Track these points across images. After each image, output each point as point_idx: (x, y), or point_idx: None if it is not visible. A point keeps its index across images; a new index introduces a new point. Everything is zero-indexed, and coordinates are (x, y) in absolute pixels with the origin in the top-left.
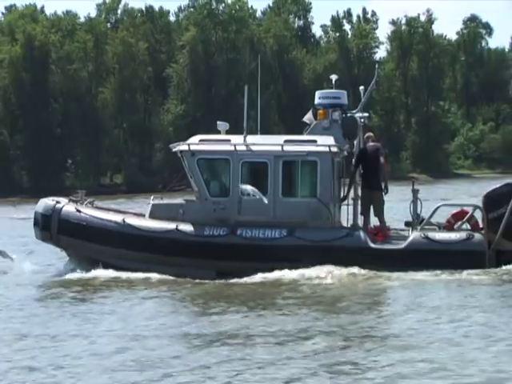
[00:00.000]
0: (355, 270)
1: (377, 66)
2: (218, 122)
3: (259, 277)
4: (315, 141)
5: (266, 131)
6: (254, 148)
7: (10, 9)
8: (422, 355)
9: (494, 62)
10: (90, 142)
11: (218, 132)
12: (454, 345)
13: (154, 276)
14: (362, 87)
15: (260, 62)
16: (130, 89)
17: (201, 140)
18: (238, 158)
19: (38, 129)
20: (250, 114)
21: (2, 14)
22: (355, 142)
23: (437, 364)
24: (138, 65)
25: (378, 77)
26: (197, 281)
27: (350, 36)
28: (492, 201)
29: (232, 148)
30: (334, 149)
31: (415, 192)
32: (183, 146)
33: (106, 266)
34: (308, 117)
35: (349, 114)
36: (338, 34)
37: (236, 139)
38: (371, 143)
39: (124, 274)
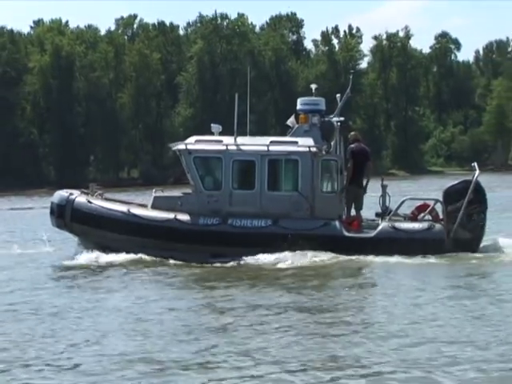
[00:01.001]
0: (331, 255)
1: (351, 76)
2: (211, 125)
3: (247, 260)
4: (297, 142)
5: (264, 133)
6: (243, 148)
7: (37, 23)
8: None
9: (462, 73)
10: (109, 140)
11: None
12: (415, 311)
13: (155, 259)
14: (338, 95)
15: (259, 71)
16: (145, 94)
17: (197, 140)
18: (229, 156)
19: (64, 129)
20: (250, 118)
21: (31, 27)
22: (332, 143)
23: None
24: (152, 73)
25: (352, 85)
26: (193, 263)
27: (337, 49)
28: (450, 195)
29: (224, 148)
30: (313, 149)
31: (384, 187)
32: (181, 146)
33: (113, 251)
34: (291, 121)
35: (326, 119)
36: (327, 48)
37: (227, 140)
38: (362, 145)
39: (129, 258)
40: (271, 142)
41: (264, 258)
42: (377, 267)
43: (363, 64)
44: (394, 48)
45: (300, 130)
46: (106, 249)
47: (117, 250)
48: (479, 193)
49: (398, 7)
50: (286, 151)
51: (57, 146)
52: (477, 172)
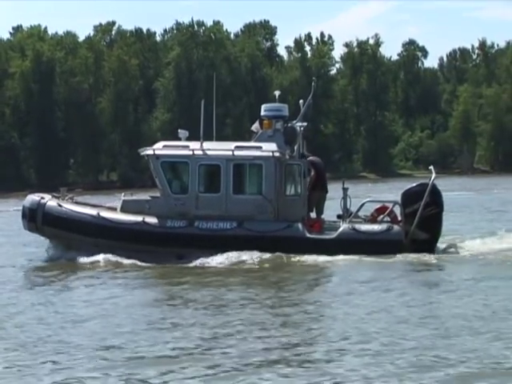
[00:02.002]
0: (292, 257)
1: (313, 84)
2: (179, 130)
3: (212, 261)
4: (261, 147)
5: (240, 137)
6: (209, 153)
7: (17, 29)
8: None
9: (428, 80)
10: (89, 144)
11: (198, 136)
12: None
13: (124, 260)
14: (301, 101)
15: (235, 77)
16: (123, 99)
17: (164, 146)
18: (196, 161)
19: (44, 133)
20: (226, 122)
21: (10, 33)
22: (295, 148)
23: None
24: (131, 78)
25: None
26: (161, 264)
27: (310, 56)
28: (408, 198)
29: (190, 153)
30: (277, 154)
31: (345, 190)
32: (149, 151)
33: (83, 253)
34: (255, 126)
35: (289, 124)
36: (300, 54)
37: (194, 145)
38: (316, 157)
39: (99, 259)
40: (236, 147)
41: (230, 258)
42: (337, 267)
43: (334, 70)
44: (364, 55)
45: (264, 135)
46: (76, 251)
47: (87, 253)
48: (436, 195)
49: (357, 16)
50: (250, 156)
51: (37, 149)
52: (433, 175)
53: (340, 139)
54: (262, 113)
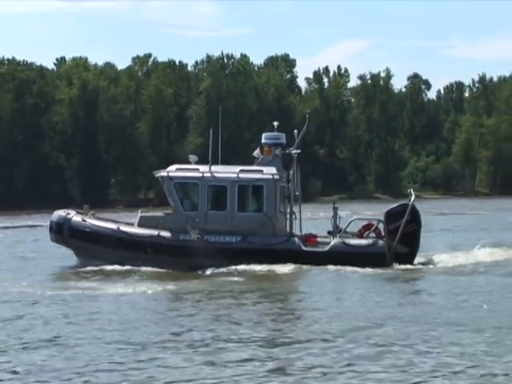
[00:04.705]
0: (290, 266)
1: (307, 116)
2: (189, 155)
3: (220, 270)
4: (262, 170)
5: None
6: (216, 175)
7: (61, 60)
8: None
9: (432, 109)
10: (129, 165)
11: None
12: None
13: (141, 269)
14: (295, 131)
15: (261, 105)
16: (160, 125)
17: (177, 168)
18: (205, 182)
19: (88, 154)
20: (252, 147)
21: (55, 64)
22: (291, 172)
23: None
24: (166, 106)
25: (308, 125)
26: (173, 273)
27: (327, 87)
28: (391, 216)
29: (200, 175)
30: (276, 176)
31: (335, 209)
32: (163, 173)
33: (105, 263)
34: (256, 152)
35: (287, 151)
36: (318, 86)
37: (203, 168)
38: None
39: (119, 268)
40: (240, 170)
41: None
42: (328, 276)
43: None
44: (377, 86)
45: (264, 160)
46: (98, 261)
47: (107, 262)
48: (415, 214)
49: (337, 53)
50: (253, 178)
51: (82, 169)
52: (413, 196)
53: (354, 163)
54: (263, 140)
